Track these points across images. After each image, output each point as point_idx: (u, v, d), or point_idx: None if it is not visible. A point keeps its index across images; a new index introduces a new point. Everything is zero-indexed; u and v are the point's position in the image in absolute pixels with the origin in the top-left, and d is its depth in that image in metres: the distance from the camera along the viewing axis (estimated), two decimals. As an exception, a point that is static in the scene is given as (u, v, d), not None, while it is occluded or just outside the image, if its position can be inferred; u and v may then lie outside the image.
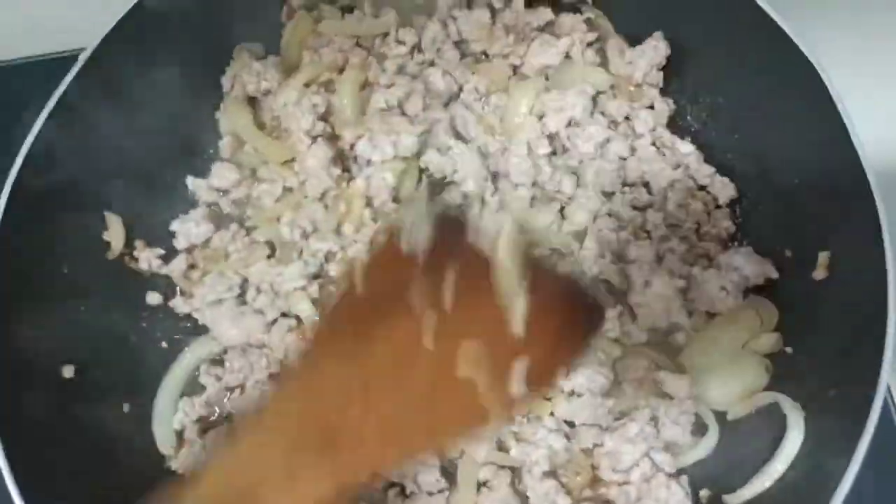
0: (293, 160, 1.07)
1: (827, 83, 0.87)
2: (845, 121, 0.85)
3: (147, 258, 1.04)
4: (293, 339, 1.00)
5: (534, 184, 1.04)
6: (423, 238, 0.76)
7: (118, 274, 1.03)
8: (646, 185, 1.05)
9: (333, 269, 1.02)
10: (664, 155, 1.06)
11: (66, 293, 0.96)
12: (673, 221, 1.02)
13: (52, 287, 0.95)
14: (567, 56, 1.09)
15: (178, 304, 1.04)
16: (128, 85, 1.00)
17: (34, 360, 0.90)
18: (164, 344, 1.05)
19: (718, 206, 1.04)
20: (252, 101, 1.11)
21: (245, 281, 1.04)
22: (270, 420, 0.67)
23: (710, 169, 1.04)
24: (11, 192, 0.90)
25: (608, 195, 1.04)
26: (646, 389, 0.96)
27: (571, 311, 0.77)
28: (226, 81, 1.11)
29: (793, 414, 0.87)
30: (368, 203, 1.03)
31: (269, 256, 1.05)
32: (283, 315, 1.02)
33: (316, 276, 1.02)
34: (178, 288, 1.06)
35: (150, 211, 1.07)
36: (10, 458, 0.80)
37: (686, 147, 1.06)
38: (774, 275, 0.97)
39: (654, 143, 1.06)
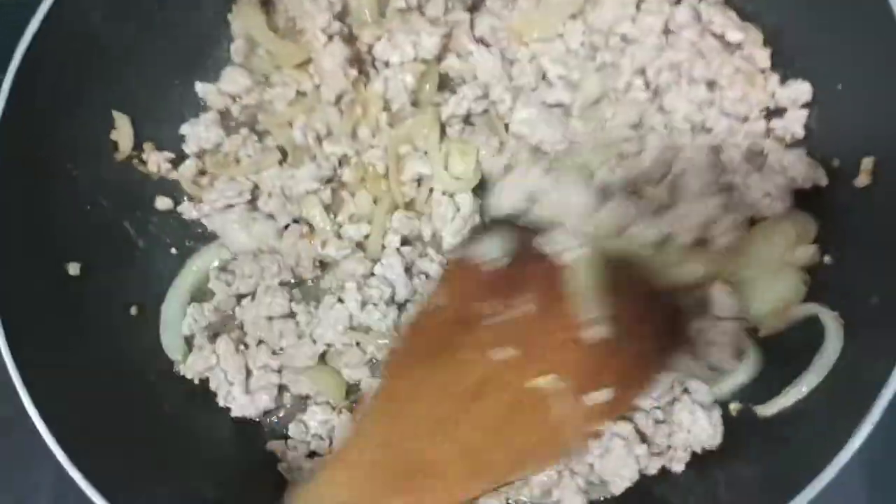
0: (307, 63, 1.02)
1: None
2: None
3: (156, 161, 1.01)
4: (305, 246, 0.96)
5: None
6: (498, 252, 0.80)
7: (127, 177, 1.00)
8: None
9: (347, 175, 0.99)
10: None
11: (73, 192, 0.93)
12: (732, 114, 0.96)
13: (59, 185, 0.92)
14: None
15: (187, 210, 1.01)
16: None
17: (40, 254, 0.87)
18: (173, 250, 1.02)
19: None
20: (266, 3, 1.05)
21: (256, 187, 1.00)
22: (355, 448, 0.70)
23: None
24: (14, 86, 0.86)
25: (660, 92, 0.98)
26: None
27: (655, 330, 0.77)
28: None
29: (831, 324, 0.84)
30: (386, 106, 0.99)
31: (280, 162, 1.01)
32: (295, 221, 0.99)
33: (328, 180, 0.98)
34: (186, 193, 1.02)
35: (160, 114, 1.03)
36: (14, 351, 0.78)
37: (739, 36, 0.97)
38: (824, 182, 0.92)
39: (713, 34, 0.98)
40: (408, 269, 0.94)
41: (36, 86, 0.88)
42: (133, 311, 0.95)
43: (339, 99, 0.99)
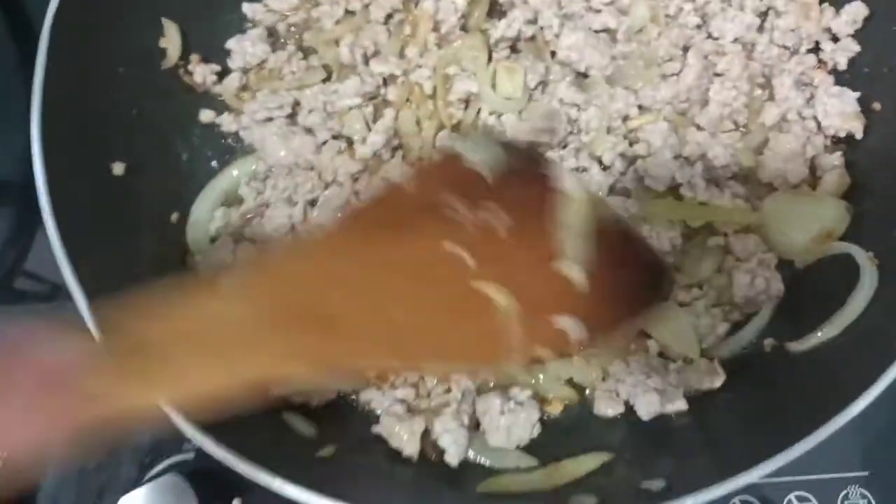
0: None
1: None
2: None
3: (202, 72, 1.02)
4: (343, 161, 0.96)
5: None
6: (492, 163, 0.73)
7: (173, 86, 1.01)
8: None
9: (392, 93, 0.99)
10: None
11: (120, 94, 0.94)
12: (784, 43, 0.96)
13: (106, 85, 0.93)
14: None
15: (227, 122, 1.01)
16: None
17: (85, 149, 0.88)
18: (214, 163, 1.03)
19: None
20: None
21: (297, 102, 1.01)
22: (275, 271, 0.62)
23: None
24: None
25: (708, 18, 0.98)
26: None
27: (635, 276, 0.74)
28: None
29: (866, 265, 0.84)
30: (435, 27, 0.99)
31: (324, 80, 1.02)
32: (334, 138, 0.99)
33: (372, 98, 0.99)
34: (227, 106, 1.03)
35: (208, 25, 1.04)
36: (63, 237, 0.80)
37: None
38: (860, 134, 0.92)
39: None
40: None
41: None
42: (173, 217, 0.96)
43: (388, 18, 1.00)
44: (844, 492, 0.93)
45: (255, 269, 0.64)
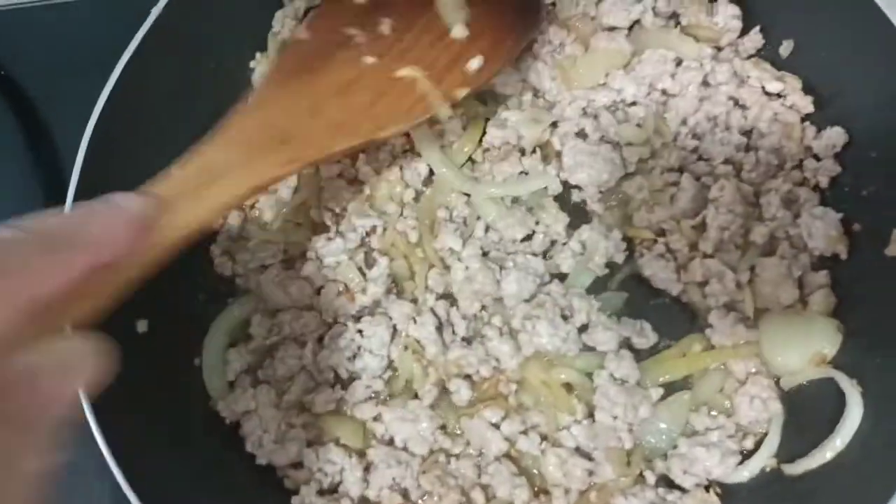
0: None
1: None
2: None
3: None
4: (343, 303, 1.01)
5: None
6: None
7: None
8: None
9: (376, 242, 1.05)
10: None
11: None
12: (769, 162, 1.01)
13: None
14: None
15: (222, 266, 1.06)
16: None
17: (112, 316, 0.92)
18: (230, 300, 1.07)
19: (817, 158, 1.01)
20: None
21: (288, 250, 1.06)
22: (232, 127, 0.81)
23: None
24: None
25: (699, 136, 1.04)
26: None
27: (509, 9, 0.94)
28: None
29: (852, 392, 0.88)
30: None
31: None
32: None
33: (360, 246, 1.04)
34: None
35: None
36: (98, 418, 0.84)
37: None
38: (844, 255, 0.96)
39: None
40: (439, 328, 0.99)
41: (104, 158, 0.94)
42: (196, 362, 1.02)
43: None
44: None
45: (230, 122, 0.82)
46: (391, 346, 0.98)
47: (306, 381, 0.99)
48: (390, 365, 0.99)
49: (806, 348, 0.92)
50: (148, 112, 0.98)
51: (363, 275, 1.02)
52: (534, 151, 1.05)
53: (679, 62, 1.05)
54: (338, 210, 1.06)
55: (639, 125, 1.05)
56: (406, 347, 0.99)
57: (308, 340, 1.00)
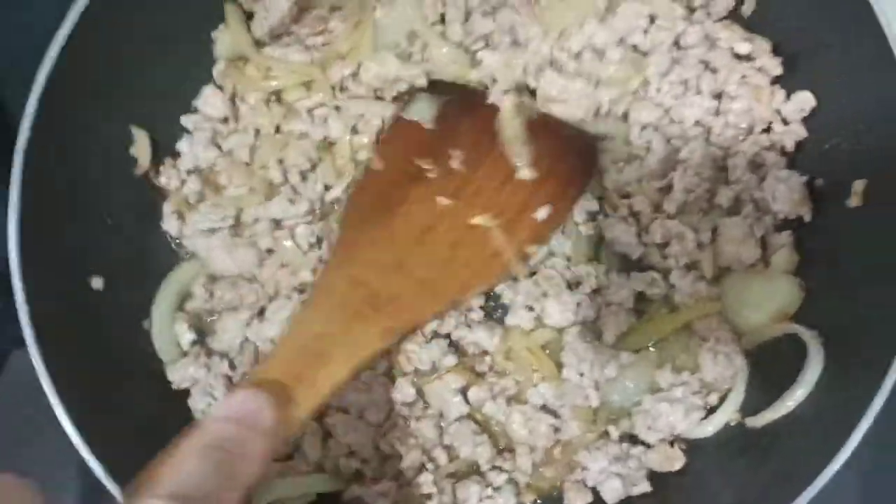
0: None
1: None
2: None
3: (168, 176, 1.05)
4: (284, 276, 0.99)
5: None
6: (429, 113, 0.95)
7: (144, 192, 1.04)
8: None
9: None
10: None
11: (94, 204, 0.98)
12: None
13: (80, 195, 0.96)
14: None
15: (172, 227, 1.03)
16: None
17: (63, 266, 0.92)
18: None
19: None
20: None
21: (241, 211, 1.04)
22: (325, 289, 0.82)
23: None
24: (39, 105, 0.90)
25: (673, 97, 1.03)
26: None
27: (571, 153, 0.95)
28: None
29: (812, 343, 0.88)
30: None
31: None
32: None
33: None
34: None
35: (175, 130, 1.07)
36: (50, 371, 0.83)
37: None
38: (808, 217, 0.96)
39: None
40: None
41: (59, 106, 0.92)
42: (146, 324, 0.99)
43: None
44: None
45: (322, 281, 0.86)
46: None
47: (255, 353, 0.97)
48: None
49: (768, 306, 0.93)
50: (97, 79, 0.96)
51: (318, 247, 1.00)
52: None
53: (653, 20, 1.05)
54: (302, 170, 1.05)
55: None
56: None
57: (247, 311, 0.98)
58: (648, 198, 1.01)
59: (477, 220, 0.88)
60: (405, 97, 1.02)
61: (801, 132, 0.99)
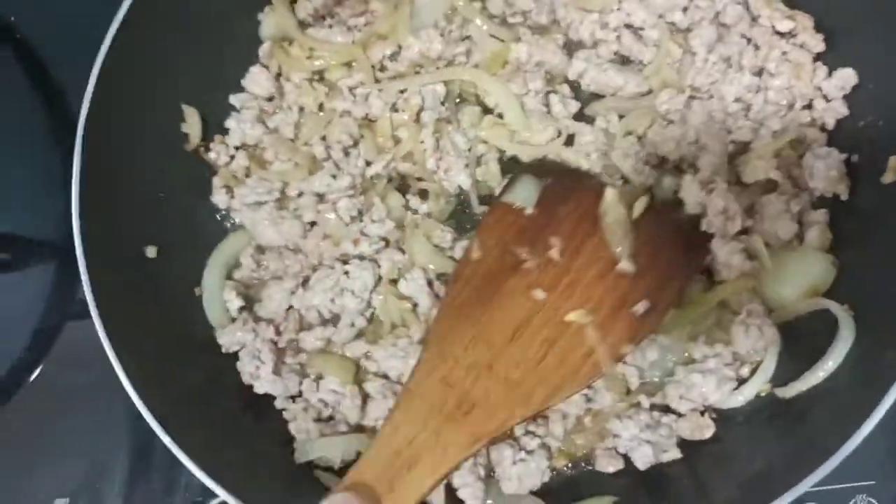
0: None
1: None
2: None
3: (218, 152, 1.10)
4: (328, 246, 1.03)
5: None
6: (531, 197, 0.93)
7: (196, 166, 1.10)
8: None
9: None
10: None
11: (149, 178, 1.03)
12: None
13: (136, 171, 1.02)
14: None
15: (220, 200, 1.08)
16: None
17: (121, 236, 0.97)
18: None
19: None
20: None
21: (286, 184, 1.08)
22: (418, 391, 0.80)
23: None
24: (95, 90, 0.96)
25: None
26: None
27: (674, 246, 0.91)
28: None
29: (842, 314, 0.89)
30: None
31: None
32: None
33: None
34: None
35: (224, 108, 1.12)
36: (108, 331, 0.88)
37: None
38: (845, 195, 0.96)
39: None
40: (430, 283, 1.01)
41: (115, 88, 0.98)
42: (198, 290, 1.04)
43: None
44: (853, 501, 1.00)
45: (415, 381, 0.83)
46: (373, 291, 1.01)
47: (299, 320, 1.02)
48: (369, 306, 1.02)
49: (801, 283, 0.94)
50: (150, 61, 1.01)
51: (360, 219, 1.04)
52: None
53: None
54: (344, 147, 1.08)
55: (655, 45, 1.06)
56: (385, 298, 1.00)
57: (291, 280, 1.02)
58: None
59: (572, 315, 0.85)
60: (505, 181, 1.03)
61: (842, 109, 0.99)
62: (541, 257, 0.88)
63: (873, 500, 1.00)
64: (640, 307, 0.86)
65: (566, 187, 0.95)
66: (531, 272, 0.88)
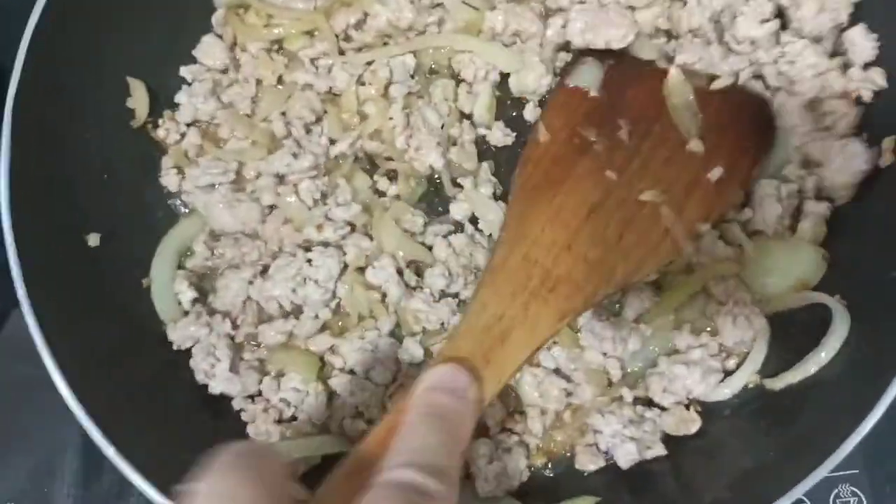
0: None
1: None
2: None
3: (167, 130, 1.01)
4: (288, 232, 0.96)
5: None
6: (595, 80, 0.92)
7: (142, 145, 1.01)
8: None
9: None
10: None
11: (90, 158, 0.95)
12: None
13: (75, 150, 0.93)
14: None
15: (171, 183, 1.01)
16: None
17: (57, 223, 0.89)
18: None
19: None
20: None
21: (242, 165, 1.00)
22: (502, 269, 0.80)
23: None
24: (27, 58, 0.87)
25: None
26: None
27: (743, 122, 0.90)
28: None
29: (836, 306, 0.86)
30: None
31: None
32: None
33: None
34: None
35: (175, 81, 1.03)
36: (44, 330, 0.81)
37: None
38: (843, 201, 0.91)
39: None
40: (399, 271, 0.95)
41: (51, 56, 0.89)
42: (146, 281, 0.96)
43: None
44: (836, 490, 0.98)
45: (496, 261, 0.82)
46: (339, 281, 0.94)
47: (258, 312, 0.95)
48: (334, 296, 0.95)
49: (789, 275, 0.91)
50: (89, 28, 0.93)
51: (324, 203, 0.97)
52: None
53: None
54: (306, 123, 1.01)
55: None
56: (352, 288, 0.94)
57: (249, 269, 0.95)
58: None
59: (646, 195, 0.85)
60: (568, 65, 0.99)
61: (880, 81, 0.91)
62: (609, 139, 0.89)
63: (856, 490, 0.98)
64: (716, 173, 0.86)
65: (630, 70, 0.95)
66: (601, 154, 0.88)
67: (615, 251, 0.82)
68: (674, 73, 0.92)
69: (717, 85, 0.94)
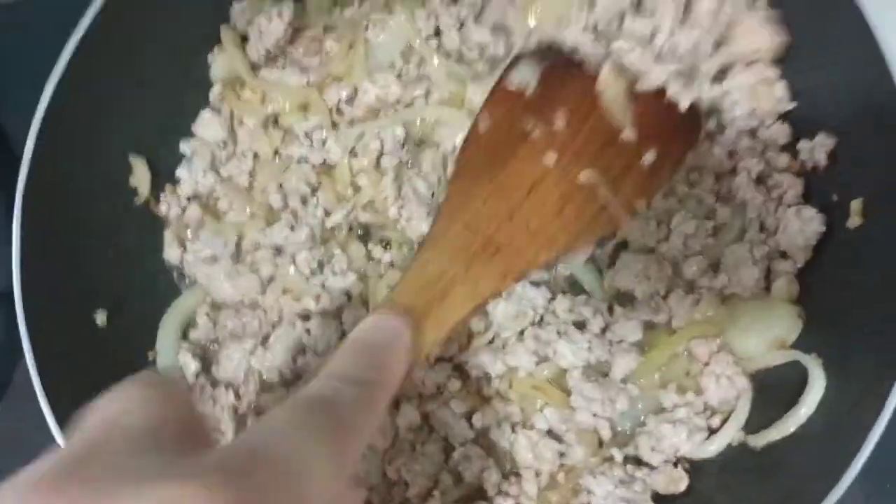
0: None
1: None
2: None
3: (168, 204, 1.05)
4: (287, 302, 1.00)
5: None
6: (532, 79, 0.95)
7: (146, 220, 1.05)
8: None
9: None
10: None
11: (96, 235, 0.98)
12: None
13: (81, 228, 0.97)
14: None
15: (171, 256, 1.04)
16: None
17: (66, 303, 0.92)
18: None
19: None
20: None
21: (242, 237, 1.04)
22: (442, 235, 0.84)
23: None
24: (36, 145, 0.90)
25: None
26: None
27: (673, 116, 0.95)
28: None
29: (812, 364, 0.88)
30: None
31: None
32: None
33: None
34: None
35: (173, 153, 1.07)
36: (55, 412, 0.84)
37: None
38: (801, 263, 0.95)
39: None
40: None
41: (57, 142, 0.92)
42: (151, 354, 1.00)
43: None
44: None
45: (436, 229, 0.86)
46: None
47: (259, 381, 0.97)
48: None
49: (766, 335, 0.93)
50: (95, 107, 0.96)
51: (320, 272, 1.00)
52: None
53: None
54: (302, 195, 1.05)
55: None
56: None
57: (250, 339, 0.98)
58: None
59: (584, 176, 0.89)
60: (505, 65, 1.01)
61: (827, 141, 0.94)
62: (548, 128, 0.93)
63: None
64: (649, 157, 0.91)
65: (565, 69, 0.98)
66: (540, 140, 0.92)
67: (556, 222, 0.87)
68: (607, 67, 0.96)
69: (641, 87, 0.97)
